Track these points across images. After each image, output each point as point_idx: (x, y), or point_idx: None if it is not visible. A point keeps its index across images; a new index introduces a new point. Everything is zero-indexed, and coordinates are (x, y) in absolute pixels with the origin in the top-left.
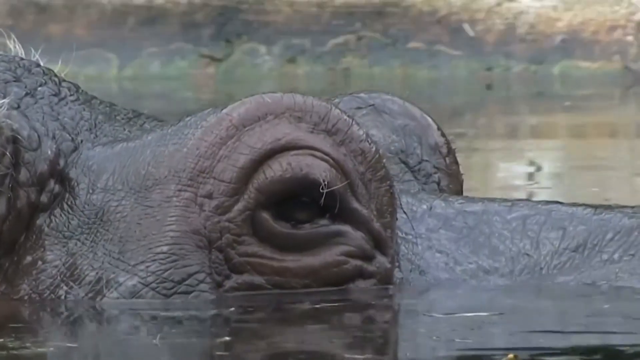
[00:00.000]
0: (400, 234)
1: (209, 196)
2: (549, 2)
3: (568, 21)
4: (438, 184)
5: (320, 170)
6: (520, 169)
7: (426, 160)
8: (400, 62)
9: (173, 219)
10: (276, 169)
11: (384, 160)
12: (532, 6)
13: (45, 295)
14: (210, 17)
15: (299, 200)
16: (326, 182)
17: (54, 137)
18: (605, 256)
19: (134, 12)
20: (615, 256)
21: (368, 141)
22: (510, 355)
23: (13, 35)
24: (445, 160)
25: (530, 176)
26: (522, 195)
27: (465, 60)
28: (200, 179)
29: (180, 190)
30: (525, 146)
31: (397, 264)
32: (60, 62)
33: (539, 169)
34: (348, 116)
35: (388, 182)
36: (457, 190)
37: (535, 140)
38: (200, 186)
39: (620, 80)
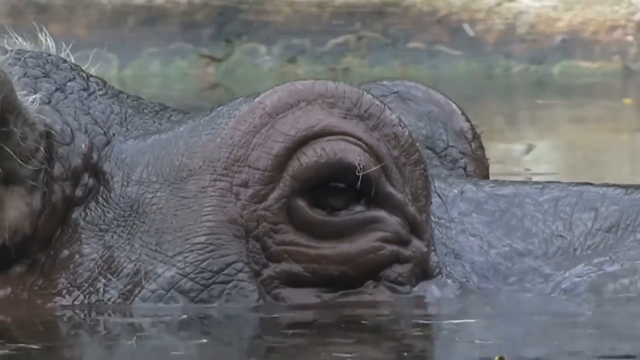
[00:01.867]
0: (433, 218)
1: (245, 185)
2: (549, 3)
3: (568, 21)
4: (464, 169)
5: (354, 155)
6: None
7: (452, 146)
8: (401, 62)
9: (209, 209)
10: (310, 155)
11: (417, 144)
12: (532, 6)
13: (84, 288)
14: (210, 17)
15: (334, 187)
16: (361, 166)
17: (86, 131)
18: (639, 236)
19: (134, 12)
20: None
21: (401, 125)
22: (496, 358)
23: (45, 29)
24: (470, 146)
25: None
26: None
27: (465, 60)
28: (235, 168)
29: (215, 180)
30: (524, 135)
31: (432, 247)
32: None
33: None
34: (380, 101)
35: (422, 166)
36: (484, 174)
37: (533, 129)
38: (235, 175)
39: (620, 80)
